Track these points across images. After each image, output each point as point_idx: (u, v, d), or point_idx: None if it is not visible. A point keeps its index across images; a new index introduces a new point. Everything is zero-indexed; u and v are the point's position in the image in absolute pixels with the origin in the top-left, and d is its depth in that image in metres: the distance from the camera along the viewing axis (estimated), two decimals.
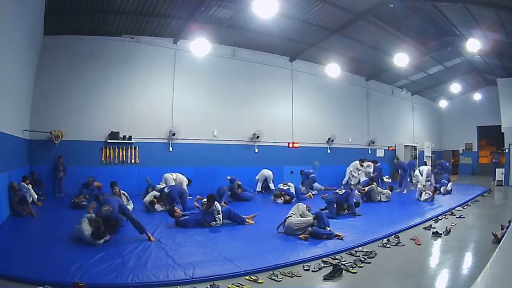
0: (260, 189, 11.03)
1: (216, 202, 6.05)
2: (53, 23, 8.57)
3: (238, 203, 8.60)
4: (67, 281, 3.30)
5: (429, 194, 9.37)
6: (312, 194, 9.99)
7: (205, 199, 6.23)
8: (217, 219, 5.94)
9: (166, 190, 7.48)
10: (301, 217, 5.50)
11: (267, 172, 11.16)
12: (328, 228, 5.26)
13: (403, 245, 4.94)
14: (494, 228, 5.45)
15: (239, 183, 9.56)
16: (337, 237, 5.09)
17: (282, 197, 8.93)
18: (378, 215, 7.36)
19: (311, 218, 5.35)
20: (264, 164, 11.55)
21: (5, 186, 6.13)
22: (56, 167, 8.84)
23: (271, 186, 10.97)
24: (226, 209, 6.16)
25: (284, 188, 9.26)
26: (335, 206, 7.18)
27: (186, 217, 6.01)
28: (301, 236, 5.13)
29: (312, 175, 10.73)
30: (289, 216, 5.45)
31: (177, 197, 7.31)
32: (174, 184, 8.24)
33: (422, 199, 9.33)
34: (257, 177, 11.16)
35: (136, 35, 9.88)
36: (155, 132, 10.12)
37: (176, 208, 6.23)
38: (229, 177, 9.67)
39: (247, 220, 6.18)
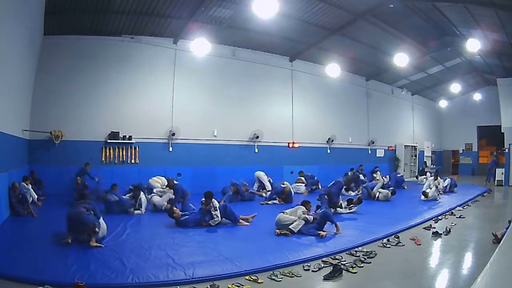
0: (257, 190, 10.97)
1: (214, 200, 6.07)
2: (53, 23, 8.56)
3: (240, 203, 8.58)
4: (67, 281, 3.31)
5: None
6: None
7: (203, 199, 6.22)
8: (215, 216, 5.95)
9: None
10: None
11: (258, 173, 11.00)
12: (318, 232, 5.26)
13: (403, 245, 4.95)
14: (494, 228, 5.45)
15: (246, 184, 9.72)
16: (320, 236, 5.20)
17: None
18: (378, 215, 7.36)
19: (296, 218, 5.49)
20: (264, 164, 11.54)
21: (5, 186, 6.13)
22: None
23: (268, 186, 10.90)
24: (222, 206, 6.18)
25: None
26: (326, 198, 7.34)
27: (186, 217, 6.03)
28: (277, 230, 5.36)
29: (315, 178, 11.16)
30: (281, 212, 5.68)
31: (180, 196, 7.34)
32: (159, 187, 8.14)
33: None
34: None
35: (136, 35, 9.87)
36: (155, 132, 10.10)
37: (175, 208, 6.25)
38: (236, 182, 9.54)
39: (241, 220, 6.20)
